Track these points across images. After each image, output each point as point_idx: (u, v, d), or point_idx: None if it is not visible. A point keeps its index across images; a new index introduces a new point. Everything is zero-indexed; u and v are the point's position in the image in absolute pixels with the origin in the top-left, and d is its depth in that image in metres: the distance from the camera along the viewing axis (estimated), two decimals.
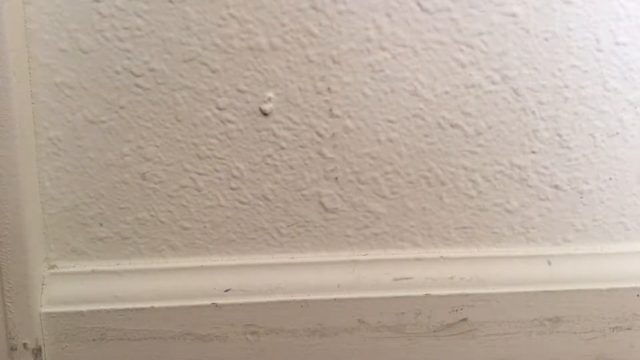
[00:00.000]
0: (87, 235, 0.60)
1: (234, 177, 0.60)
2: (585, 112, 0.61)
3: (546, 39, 0.58)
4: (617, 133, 0.62)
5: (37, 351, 0.59)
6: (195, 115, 0.58)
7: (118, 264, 0.61)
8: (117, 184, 0.59)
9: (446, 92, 0.59)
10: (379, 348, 0.64)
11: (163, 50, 0.55)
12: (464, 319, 0.63)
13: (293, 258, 0.63)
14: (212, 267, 0.62)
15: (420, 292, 0.62)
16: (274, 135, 0.59)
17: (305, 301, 0.61)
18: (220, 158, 0.59)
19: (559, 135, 0.61)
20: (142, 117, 0.57)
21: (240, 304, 0.61)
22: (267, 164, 0.60)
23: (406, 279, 0.63)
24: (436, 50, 0.57)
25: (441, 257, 0.64)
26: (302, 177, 0.60)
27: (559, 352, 0.65)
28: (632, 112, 0.61)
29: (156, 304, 0.60)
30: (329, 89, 0.58)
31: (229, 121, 0.58)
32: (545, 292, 0.63)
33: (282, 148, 0.59)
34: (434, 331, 0.63)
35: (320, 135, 0.59)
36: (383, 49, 0.57)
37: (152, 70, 0.56)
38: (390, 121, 0.59)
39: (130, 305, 0.60)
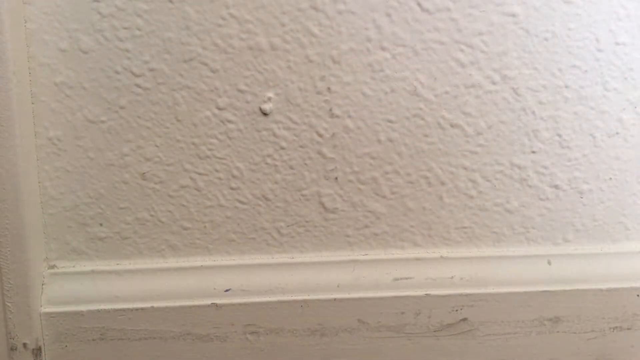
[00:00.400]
0: (87, 235, 0.60)
1: (234, 177, 0.60)
2: (585, 112, 0.61)
3: (546, 39, 0.58)
4: (617, 133, 0.62)
5: (37, 351, 0.59)
6: (195, 115, 0.58)
7: (118, 264, 0.61)
8: (117, 184, 0.59)
9: (446, 92, 0.59)
10: (379, 348, 0.64)
11: (163, 50, 0.55)
12: (464, 319, 0.63)
13: (293, 258, 0.63)
14: (212, 267, 0.62)
15: (420, 292, 0.62)
16: (274, 135, 0.59)
17: (305, 301, 0.61)
18: (220, 158, 0.59)
19: (559, 135, 0.61)
20: (142, 117, 0.57)
21: (240, 304, 0.61)
22: (267, 164, 0.60)
23: (406, 279, 0.63)
24: (436, 50, 0.57)
25: (441, 257, 0.64)
26: (302, 177, 0.60)
27: (558, 352, 0.65)
28: (632, 112, 0.61)
29: (156, 304, 0.60)
30: (329, 89, 0.58)
31: (229, 121, 0.58)
32: (545, 292, 0.63)
33: (282, 148, 0.59)
34: (434, 331, 0.63)
35: (320, 135, 0.59)
36: (383, 49, 0.57)
37: (152, 70, 0.56)
38: (390, 121, 0.59)
39: (130, 305, 0.60)
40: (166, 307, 0.60)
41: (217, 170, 0.59)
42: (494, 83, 0.59)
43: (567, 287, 0.63)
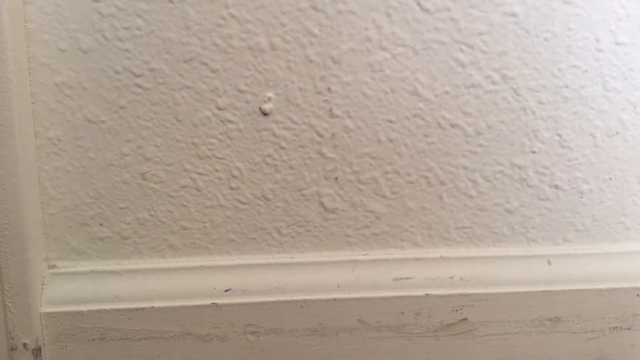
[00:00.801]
0: (87, 235, 0.60)
1: (234, 177, 0.60)
2: (585, 112, 0.61)
3: (546, 39, 0.58)
4: (617, 133, 0.62)
5: (37, 351, 0.59)
6: (195, 115, 0.58)
7: (118, 264, 0.61)
8: (117, 184, 0.59)
9: (446, 92, 0.59)
10: (379, 348, 0.64)
11: (163, 50, 0.55)
12: (464, 319, 0.63)
13: (293, 258, 0.63)
14: (212, 267, 0.62)
15: (420, 292, 0.62)
16: (274, 135, 0.59)
17: (305, 301, 0.61)
18: (220, 158, 0.59)
19: (559, 135, 0.61)
20: (142, 117, 0.57)
21: (240, 304, 0.61)
22: (267, 164, 0.60)
23: (406, 278, 0.63)
24: (436, 50, 0.57)
25: (441, 257, 0.64)
26: (302, 177, 0.60)
27: (559, 352, 0.65)
28: (632, 112, 0.61)
29: (156, 304, 0.60)
30: (329, 89, 0.58)
31: (229, 121, 0.58)
32: (545, 292, 0.63)
33: (282, 148, 0.59)
34: (434, 331, 0.63)
35: (320, 135, 0.59)
36: (383, 49, 0.57)
37: (152, 70, 0.56)
38: (390, 121, 0.59)
39: (130, 305, 0.60)
40: (166, 307, 0.60)
41: (217, 170, 0.59)
42: (494, 83, 0.59)
43: (567, 287, 0.63)
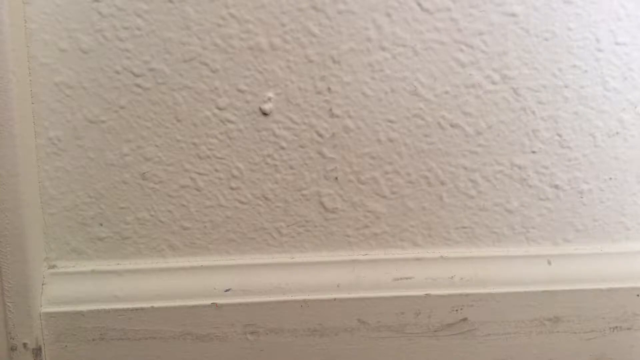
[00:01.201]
0: (87, 235, 0.60)
1: (234, 177, 0.60)
2: (585, 112, 0.61)
3: (546, 39, 0.58)
4: (617, 133, 0.62)
5: (37, 351, 0.59)
6: (195, 115, 0.58)
7: (118, 264, 0.61)
8: (117, 184, 0.59)
9: (446, 92, 0.59)
10: (379, 348, 0.64)
11: (163, 50, 0.55)
12: (464, 319, 0.63)
13: (293, 258, 0.63)
14: (212, 267, 0.62)
15: (420, 292, 0.62)
16: (274, 135, 0.59)
17: (305, 301, 0.61)
18: (220, 158, 0.59)
19: (559, 135, 0.61)
20: (142, 117, 0.57)
21: (240, 304, 0.61)
22: (267, 164, 0.60)
23: (406, 278, 0.63)
24: (436, 50, 0.57)
25: (441, 257, 0.64)
26: (302, 177, 0.60)
27: (558, 352, 0.65)
28: (632, 112, 0.61)
29: (156, 304, 0.60)
30: (329, 89, 0.58)
31: (229, 121, 0.58)
32: (545, 292, 0.63)
33: (282, 148, 0.59)
34: (434, 331, 0.63)
35: (320, 135, 0.59)
36: (383, 48, 0.57)
37: (152, 70, 0.56)
38: (390, 121, 0.59)
39: (130, 305, 0.60)
40: (166, 307, 0.60)
41: (217, 170, 0.59)
42: (494, 83, 0.59)
43: (567, 287, 0.63)
